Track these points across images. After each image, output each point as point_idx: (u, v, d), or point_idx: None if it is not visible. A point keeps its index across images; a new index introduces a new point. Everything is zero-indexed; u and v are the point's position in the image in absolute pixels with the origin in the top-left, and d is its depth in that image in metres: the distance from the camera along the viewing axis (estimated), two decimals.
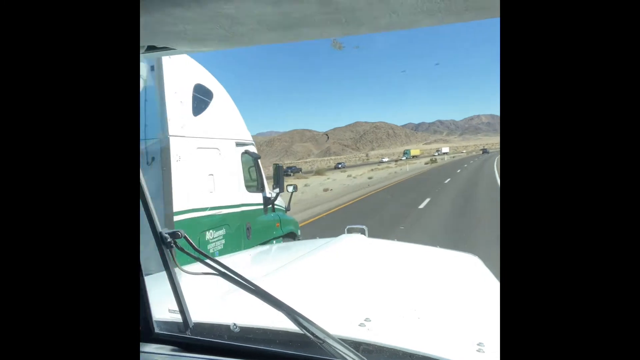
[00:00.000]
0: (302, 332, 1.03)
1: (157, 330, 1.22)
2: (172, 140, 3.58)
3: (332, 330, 1.04)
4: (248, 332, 1.15)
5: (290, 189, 5.93)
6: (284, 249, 2.89)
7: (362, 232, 2.76)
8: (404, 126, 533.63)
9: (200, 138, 3.97)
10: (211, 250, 4.09)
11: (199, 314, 1.24)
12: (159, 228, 1.16)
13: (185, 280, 1.20)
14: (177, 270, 1.18)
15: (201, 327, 1.20)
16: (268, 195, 5.25)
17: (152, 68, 3.64)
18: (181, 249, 1.17)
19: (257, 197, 5.01)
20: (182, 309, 1.19)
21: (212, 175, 4.11)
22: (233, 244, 4.43)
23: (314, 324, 1.03)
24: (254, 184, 4.98)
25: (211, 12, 0.71)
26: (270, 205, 5.27)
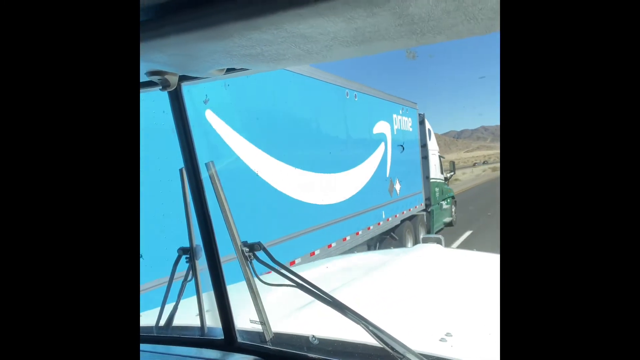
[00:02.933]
0: (381, 345, 1.04)
1: (239, 339, 1.27)
2: (430, 152, 9.55)
3: (412, 345, 1.03)
4: (327, 345, 1.18)
5: (450, 174, 11.81)
6: (360, 259, 2.89)
7: (439, 241, 2.81)
8: (444, 134, 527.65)
9: (432, 150, 9.89)
10: (437, 195, 10.02)
11: (278, 325, 1.29)
12: (239, 242, 1.20)
13: (264, 290, 1.23)
14: (256, 281, 1.22)
15: (281, 338, 1.25)
16: (446, 175, 11.18)
17: (420, 123, 9.56)
18: (261, 262, 1.20)
19: (441, 176, 10.87)
20: (263, 320, 1.24)
21: (435, 165, 10.05)
22: (439, 197, 10.33)
23: (393, 337, 1.03)
24: (440, 169, 10.86)
25: (286, 33, 0.72)
26: (446, 181, 11.23)
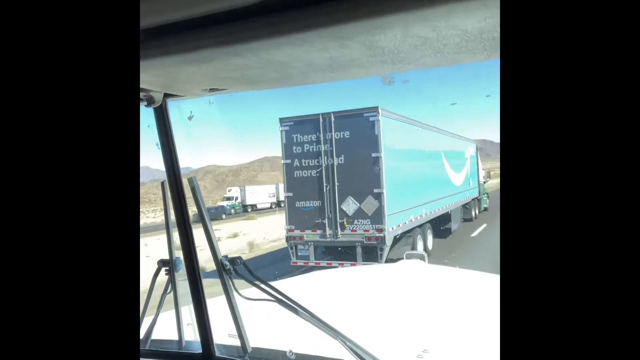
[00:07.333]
0: None
1: (217, 353, 1.26)
2: (480, 167, 17.45)
3: None
4: None
5: (486, 180, 19.60)
6: (341, 275, 2.90)
7: (422, 258, 2.83)
8: None
9: (480, 165, 17.70)
10: (481, 191, 17.87)
11: (256, 339, 1.28)
12: (220, 256, 1.21)
13: (243, 305, 1.23)
14: (236, 295, 1.22)
15: (259, 352, 1.24)
16: (484, 180, 19.03)
17: (476, 149, 17.34)
18: (241, 276, 1.20)
19: (482, 180, 18.54)
20: (241, 334, 1.24)
21: (480, 174, 17.93)
22: (482, 192, 18.14)
23: (370, 354, 1.04)
24: (482, 176, 18.56)
25: (264, 60, 0.76)
26: (484, 184, 19.10)
